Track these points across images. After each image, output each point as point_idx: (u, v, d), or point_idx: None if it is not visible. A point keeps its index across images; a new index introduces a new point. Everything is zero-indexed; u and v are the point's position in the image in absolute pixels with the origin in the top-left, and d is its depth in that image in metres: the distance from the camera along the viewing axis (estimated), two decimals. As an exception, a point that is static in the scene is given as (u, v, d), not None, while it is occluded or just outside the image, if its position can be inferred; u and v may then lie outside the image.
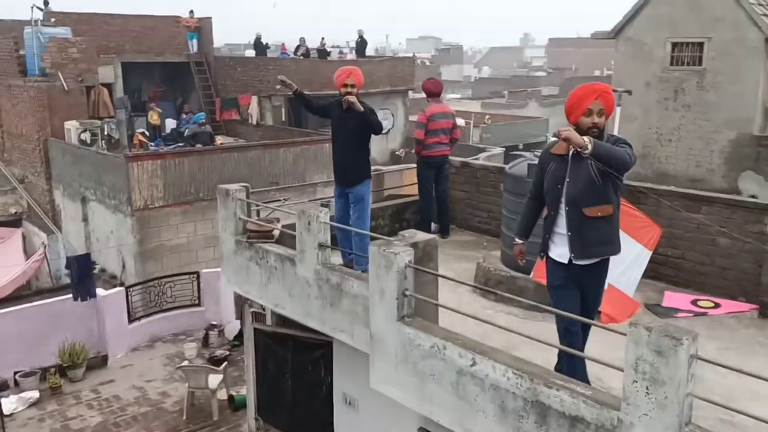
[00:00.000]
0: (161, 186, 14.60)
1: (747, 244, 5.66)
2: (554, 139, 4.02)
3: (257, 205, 6.96)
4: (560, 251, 4.04)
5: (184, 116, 21.22)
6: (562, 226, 4.00)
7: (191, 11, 22.85)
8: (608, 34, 12.62)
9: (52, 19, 19.00)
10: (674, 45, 11.51)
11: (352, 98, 5.85)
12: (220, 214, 6.57)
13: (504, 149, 24.61)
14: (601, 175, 3.83)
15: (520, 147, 32.40)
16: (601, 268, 4.08)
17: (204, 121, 18.31)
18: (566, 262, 4.02)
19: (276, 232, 6.29)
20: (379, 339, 4.64)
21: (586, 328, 4.22)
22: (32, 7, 17.77)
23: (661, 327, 3.24)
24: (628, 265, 5.02)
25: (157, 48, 22.20)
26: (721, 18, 11.22)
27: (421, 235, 4.82)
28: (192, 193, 15.06)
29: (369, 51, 27.18)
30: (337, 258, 6.09)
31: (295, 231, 5.98)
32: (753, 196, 9.00)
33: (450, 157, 7.97)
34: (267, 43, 25.71)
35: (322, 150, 17.29)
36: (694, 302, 5.92)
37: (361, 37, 24.87)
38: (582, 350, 4.11)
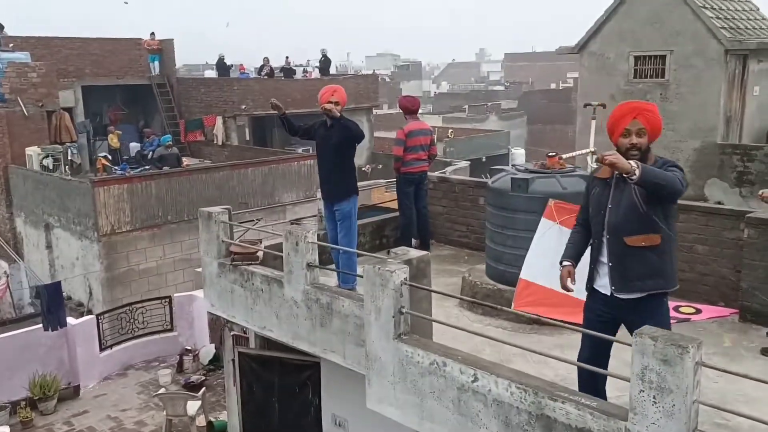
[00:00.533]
0: (128, 210, 14.30)
1: (725, 250, 5.80)
2: (596, 165, 3.79)
3: (242, 227, 6.83)
4: (603, 282, 3.79)
5: (146, 139, 20.90)
6: (604, 255, 3.75)
7: (152, 33, 22.58)
8: (572, 49, 12.92)
9: (11, 44, 18.54)
10: (637, 58, 11.85)
11: (329, 105, 5.81)
12: (202, 237, 6.44)
13: (469, 162, 24.88)
14: (645, 202, 3.57)
15: (484, 159, 32.85)
16: (650, 305, 3.69)
17: (171, 143, 18.05)
18: (608, 293, 3.76)
19: (260, 254, 6.20)
20: (375, 358, 4.59)
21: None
22: (-12, 33, 17.33)
23: (666, 336, 3.27)
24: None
25: (117, 71, 21.87)
26: (681, 31, 11.60)
27: (413, 252, 4.81)
28: (160, 216, 14.81)
29: (332, 69, 27.26)
30: (327, 279, 6.02)
31: (279, 252, 5.92)
32: (719, 203, 9.27)
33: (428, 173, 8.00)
34: (231, 64, 25.58)
35: (290, 168, 17.21)
36: (675, 308, 6.01)
37: (324, 56, 24.92)
38: (601, 390, 3.88)
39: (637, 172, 3.40)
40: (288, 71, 24.48)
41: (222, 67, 24.63)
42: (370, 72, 43.84)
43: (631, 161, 3.45)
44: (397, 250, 4.95)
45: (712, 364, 3.33)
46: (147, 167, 18.49)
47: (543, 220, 5.19)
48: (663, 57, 11.64)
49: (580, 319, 4.08)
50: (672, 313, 6.02)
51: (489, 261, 6.35)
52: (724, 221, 5.78)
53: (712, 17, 11.45)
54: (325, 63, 24.78)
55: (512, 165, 6.42)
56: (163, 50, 22.74)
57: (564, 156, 6.31)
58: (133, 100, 23.69)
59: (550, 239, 5.10)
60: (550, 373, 4.68)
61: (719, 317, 5.84)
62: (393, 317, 4.41)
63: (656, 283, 3.66)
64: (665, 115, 11.78)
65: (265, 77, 23.53)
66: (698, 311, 5.90)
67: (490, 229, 6.29)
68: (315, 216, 7.98)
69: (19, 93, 16.91)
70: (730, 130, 11.79)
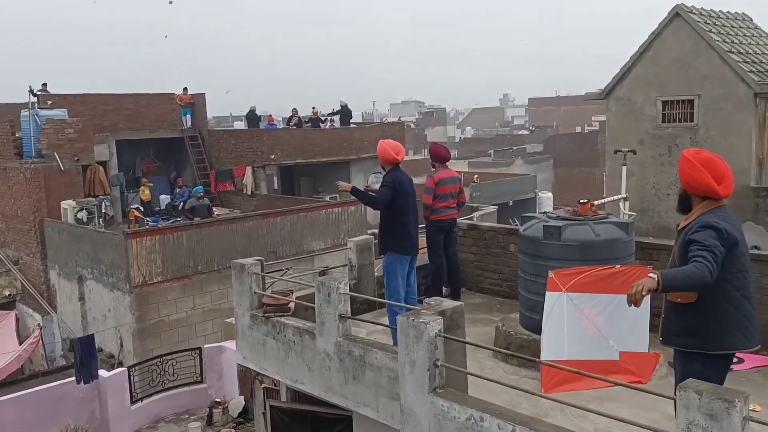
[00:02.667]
0: (160, 261, 14.50)
1: (765, 297, 5.64)
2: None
3: (272, 277, 6.88)
4: None
5: (177, 190, 21.31)
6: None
7: (185, 88, 23.27)
8: (599, 95, 12.98)
9: (49, 102, 19.27)
10: (664, 103, 11.85)
11: (339, 183, 6.33)
12: (235, 289, 6.50)
13: (496, 207, 24.81)
14: (681, 258, 3.58)
15: (510, 203, 32.79)
16: (683, 361, 3.66)
17: (202, 194, 18.39)
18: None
19: (292, 305, 6.22)
20: (410, 413, 4.52)
21: None
22: (30, 91, 18.04)
23: (711, 390, 3.18)
24: (630, 321, 4.97)
25: (151, 125, 22.50)
26: (708, 76, 11.61)
27: (447, 303, 4.79)
28: (190, 267, 14.97)
29: (358, 117, 27.70)
30: (358, 330, 6.01)
31: (310, 303, 5.93)
32: (755, 247, 9.07)
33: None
34: (260, 115, 26.17)
35: (318, 216, 17.36)
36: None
37: (343, 106, 25.31)
38: None
39: (659, 285, 3.36)
40: (315, 121, 24.93)
41: (252, 118, 25.18)
42: (396, 119, 44.51)
43: (652, 275, 3.41)
44: (430, 300, 4.93)
45: (759, 418, 3.22)
46: (178, 218, 18.80)
47: (548, 294, 5.12)
48: (691, 101, 11.62)
49: (617, 377, 4.02)
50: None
51: (523, 310, 6.27)
52: (763, 267, 5.65)
53: (739, 61, 11.44)
54: (344, 113, 25.19)
55: (544, 212, 6.39)
56: (195, 104, 23.39)
57: (596, 202, 6.28)
58: (166, 153, 24.27)
59: (561, 311, 5.00)
60: (590, 427, 4.56)
61: (763, 366, 5.65)
62: (428, 370, 4.37)
63: (686, 341, 3.60)
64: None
65: (294, 127, 23.98)
66: (740, 360, 5.72)
67: (523, 278, 6.24)
68: (345, 265, 7.98)
69: (56, 148, 17.47)
70: (764, 173, 11.63)
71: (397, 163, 6.28)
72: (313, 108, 26.17)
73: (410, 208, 6.24)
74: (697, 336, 3.59)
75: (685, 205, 3.87)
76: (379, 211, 6.28)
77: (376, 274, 7.41)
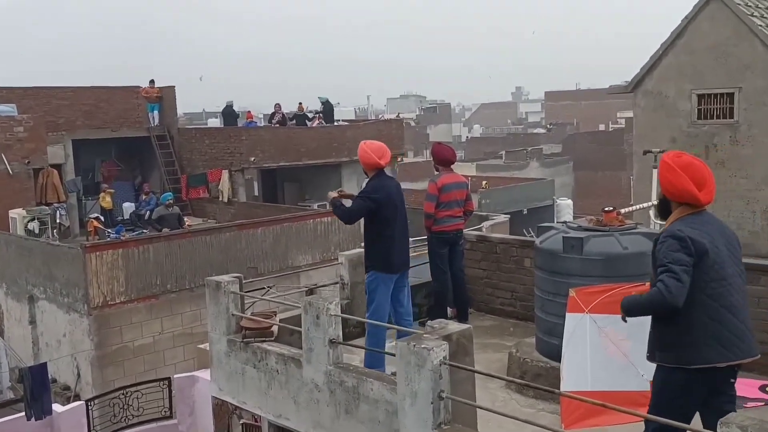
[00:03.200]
0: (123, 279, 14.46)
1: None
2: None
3: (252, 297, 6.87)
4: None
5: (143, 197, 21.30)
6: None
7: (152, 81, 23.31)
8: (625, 88, 13.05)
9: (-5, 96, 19.29)
10: (700, 97, 11.90)
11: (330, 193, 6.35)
12: (210, 311, 6.50)
13: (508, 216, 24.84)
14: (654, 270, 3.99)
15: (525, 212, 32.88)
16: (663, 374, 4.03)
17: (172, 201, 18.36)
18: None
19: (275, 329, 6.22)
20: (411, 452, 4.51)
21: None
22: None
23: (756, 425, 3.19)
24: None
25: (112, 122, 22.51)
26: (750, 65, 11.66)
27: (453, 326, 4.81)
28: (158, 285, 14.93)
29: (350, 114, 27.76)
30: (351, 356, 6.00)
31: (296, 326, 5.92)
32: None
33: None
34: (238, 112, 26.19)
35: (305, 227, 17.36)
36: (762, 388, 5.85)
37: (324, 102, 25.37)
38: None
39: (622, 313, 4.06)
40: (300, 118, 24.96)
41: (229, 115, 25.19)
42: (394, 116, 44.57)
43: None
44: (434, 323, 4.94)
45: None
46: (144, 230, 18.75)
47: (568, 315, 5.12)
48: (731, 95, 11.67)
49: (647, 410, 4.02)
50: (759, 395, 5.86)
51: (539, 334, 6.28)
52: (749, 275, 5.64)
53: (786, 49, 11.51)
54: (327, 110, 25.26)
55: (563, 221, 6.40)
56: (163, 98, 23.41)
57: (622, 211, 6.30)
58: (130, 155, 24.26)
59: (583, 335, 4.99)
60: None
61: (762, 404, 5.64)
62: (431, 403, 4.36)
63: (669, 355, 3.92)
64: (736, 160, 11.72)
65: (277, 125, 24.03)
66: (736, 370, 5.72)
67: (540, 296, 6.25)
68: (336, 283, 7.99)
69: (4, 150, 17.46)
70: (813, 176, 11.70)
71: (381, 167, 6.28)
72: (299, 104, 26.24)
73: (397, 219, 6.22)
74: (674, 350, 3.88)
75: (664, 211, 4.14)
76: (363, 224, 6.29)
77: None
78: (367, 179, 6.35)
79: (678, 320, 3.85)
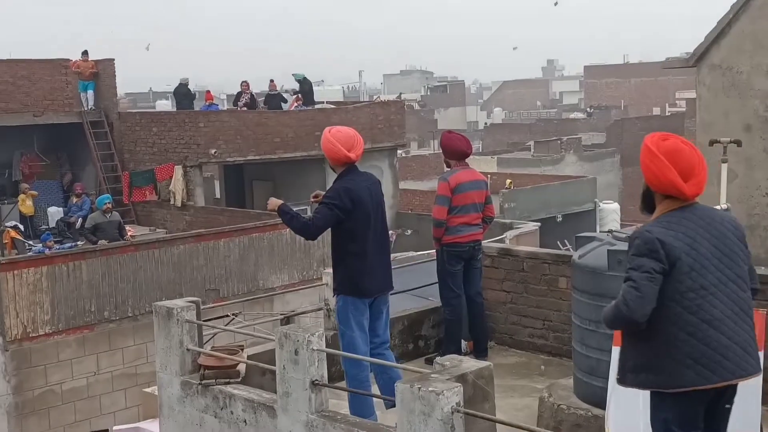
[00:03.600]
0: (47, 304, 14.48)
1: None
2: None
3: (213, 327, 6.89)
4: None
5: (74, 200, 21.32)
6: None
7: (85, 52, 23.37)
8: (686, 61, 13.04)
9: None
10: (783, 72, 11.90)
11: (269, 203, 6.45)
12: (159, 345, 6.53)
13: (538, 224, 24.91)
14: None
15: (559, 219, 32.98)
16: (650, 402, 4.24)
17: (110, 205, 18.37)
18: None
19: (242, 367, 6.24)
20: None
21: None
22: None
23: None
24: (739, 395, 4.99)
25: (35, 104, 22.57)
26: None
27: (468, 363, 4.84)
28: (93, 313, 14.97)
29: (338, 94, 27.76)
30: (339, 402, 6.01)
31: (269, 364, 5.93)
32: None
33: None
34: (195, 92, 26.18)
35: (280, 239, 17.39)
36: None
37: (300, 80, 25.30)
38: None
39: None
40: (274, 99, 24.97)
41: (184, 95, 25.10)
42: (393, 97, 44.68)
43: None
44: (444, 359, 4.96)
45: None
46: (76, 241, 18.74)
47: (615, 349, 5.13)
48: (825, 70, 11.69)
49: None
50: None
51: (578, 373, 6.29)
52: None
53: None
54: (305, 89, 25.20)
55: (608, 230, 6.41)
56: (99, 74, 23.43)
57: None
58: (57, 146, 24.27)
59: None
60: None
61: None
62: (441, 462, 4.38)
63: (645, 378, 4.14)
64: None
65: (244, 109, 24.07)
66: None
67: (579, 326, 6.26)
68: (320, 309, 8.01)
69: None
70: None
71: (351, 162, 6.22)
72: (271, 81, 26.27)
73: (371, 229, 6.19)
74: (646, 372, 4.09)
75: (648, 205, 4.30)
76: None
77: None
78: (336, 177, 6.30)
79: (649, 337, 4.04)
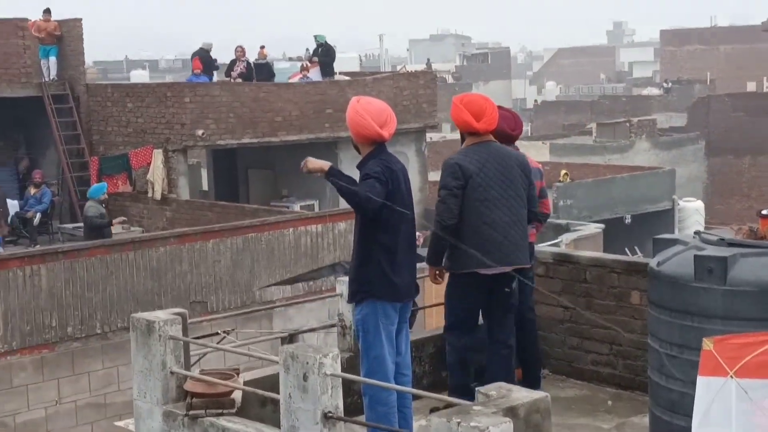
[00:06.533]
0: (-1, 317, 14.57)
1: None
2: None
3: (202, 346, 6.92)
4: None
5: (32, 191, 21.45)
6: None
7: (47, 10, 23.51)
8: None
9: None
10: None
11: (307, 160, 6.35)
12: (136, 366, 6.56)
13: (602, 226, 24.87)
14: None
15: (628, 220, 32.89)
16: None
17: (106, 197, 18.69)
18: None
19: (237, 396, 6.26)
20: None
21: None
22: None
23: None
24: None
25: (-15, 74, 22.69)
26: None
27: (519, 393, 4.81)
28: (53, 329, 15.04)
29: (353, 63, 27.77)
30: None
31: (271, 392, 5.95)
32: None
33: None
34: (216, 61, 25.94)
35: (281, 239, 17.44)
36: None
37: (321, 44, 25.32)
38: None
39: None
40: (261, 69, 24.84)
41: (207, 62, 24.84)
42: (422, 67, 44.57)
43: None
44: (489, 388, 4.95)
45: None
46: (34, 242, 18.87)
47: (701, 380, 5.11)
48: None
49: None
50: None
51: (655, 409, 6.26)
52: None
53: None
54: (325, 55, 25.22)
55: (695, 233, 6.37)
56: (63, 38, 23.56)
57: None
58: (11, 125, 24.41)
59: (726, 410, 4.97)
60: None
61: None
62: None
63: (446, 263, 7.10)
64: None
65: (238, 80, 24.12)
66: None
67: (658, 350, 6.23)
68: (332, 325, 8.02)
69: None
70: None
71: (382, 141, 6.32)
72: (261, 47, 26.05)
73: (403, 220, 6.29)
74: (449, 258, 6.94)
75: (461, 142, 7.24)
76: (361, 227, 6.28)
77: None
78: (363, 158, 6.34)
79: (453, 234, 6.70)
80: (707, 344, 5.15)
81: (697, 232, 6.44)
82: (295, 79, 24.68)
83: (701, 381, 5.14)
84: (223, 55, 28.16)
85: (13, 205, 21.76)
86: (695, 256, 5.84)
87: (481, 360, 7.26)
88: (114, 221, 18.42)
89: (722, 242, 6.03)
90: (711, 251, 5.87)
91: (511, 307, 7.06)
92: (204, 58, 24.97)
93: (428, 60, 49.67)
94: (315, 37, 25.79)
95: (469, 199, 6.68)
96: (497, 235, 6.75)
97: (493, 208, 6.75)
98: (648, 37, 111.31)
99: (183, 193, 21.93)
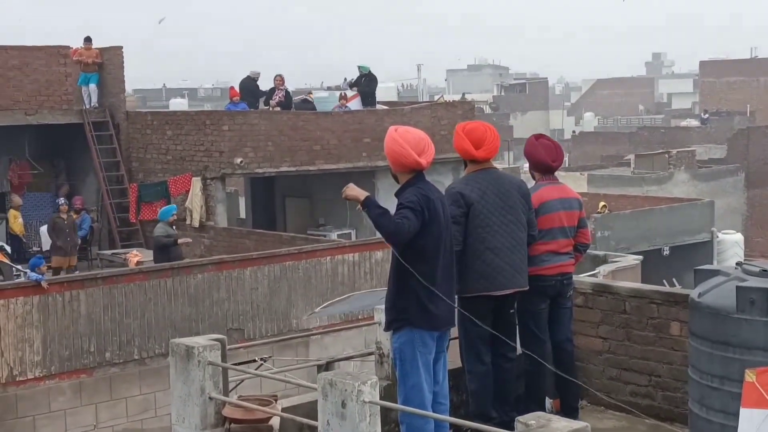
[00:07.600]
0: (38, 342, 14.64)
1: None
2: None
3: (240, 372, 6.94)
4: None
5: (74, 216, 21.60)
6: None
7: (88, 38, 23.76)
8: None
9: None
10: None
11: (348, 187, 6.33)
12: (175, 392, 6.59)
13: (640, 258, 24.65)
14: None
15: (666, 251, 32.63)
16: None
17: (175, 218, 18.94)
18: None
19: (275, 422, 6.27)
20: None
21: None
22: None
23: None
24: None
25: (27, 101, 22.89)
26: None
27: (559, 424, 4.79)
28: (91, 353, 15.12)
29: (390, 93, 27.80)
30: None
31: (308, 419, 5.95)
32: None
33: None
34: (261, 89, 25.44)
35: (319, 267, 17.45)
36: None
37: (365, 74, 25.27)
38: None
39: None
40: (305, 105, 24.81)
41: (250, 93, 24.60)
42: (458, 97, 44.63)
43: None
44: (527, 418, 4.95)
45: None
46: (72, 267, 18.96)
47: (744, 412, 5.07)
48: None
49: None
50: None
51: (697, 442, 6.20)
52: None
53: None
54: (368, 85, 25.24)
55: (738, 264, 6.33)
56: (104, 66, 23.82)
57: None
58: (52, 151, 24.60)
59: None
60: None
61: None
62: None
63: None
64: None
65: (277, 109, 24.22)
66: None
67: (698, 382, 6.20)
68: (370, 353, 8.02)
69: None
70: None
71: (420, 169, 6.35)
72: (277, 76, 25.51)
73: (442, 250, 6.32)
74: (458, 282, 6.85)
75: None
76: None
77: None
78: (400, 186, 6.38)
79: (458, 260, 6.80)
80: (750, 376, 5.11)
81: (738, 263, 6.41)
82: (335, 108, 24.68)
83: (744, 413, 5.11)
84: (261, 85, 28.20)
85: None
86: (737, 287, 5.81)
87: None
88: (179, 241, 18.56)
89: (765, 273, 5.99)
90: (753, 282, 5.84)
91: (513, 326, 7.39)
92: (249, 87, 25.01)
93: (463, 94, 49.63)
94: (359, 67, 25.75)
95: (472, 225, 6.99)
96: (499, 260, 7.06)
97: (495, 234, 7.06)
98: (687, 69, 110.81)
99: (221, 221, 22.01)
